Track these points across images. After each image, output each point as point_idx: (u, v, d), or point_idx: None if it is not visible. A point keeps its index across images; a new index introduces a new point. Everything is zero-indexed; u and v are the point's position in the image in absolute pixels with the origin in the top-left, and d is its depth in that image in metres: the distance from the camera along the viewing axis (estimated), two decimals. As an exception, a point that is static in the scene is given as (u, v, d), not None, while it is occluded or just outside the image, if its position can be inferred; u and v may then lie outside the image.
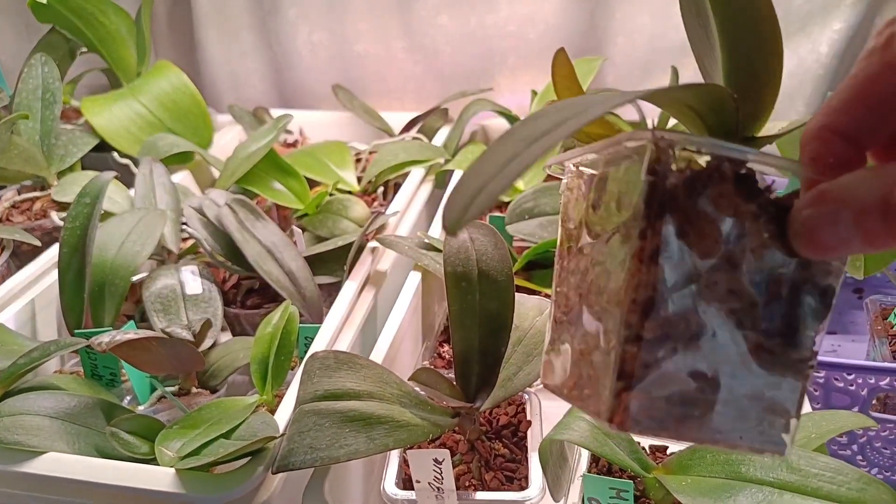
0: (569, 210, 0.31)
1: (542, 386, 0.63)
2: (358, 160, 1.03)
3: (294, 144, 1.15)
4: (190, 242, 0.84)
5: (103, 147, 0.97)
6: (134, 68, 1.04)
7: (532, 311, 0.59)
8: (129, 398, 0.66)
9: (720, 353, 0.25)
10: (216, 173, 0.98)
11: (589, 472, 0.53)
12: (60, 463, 0.49)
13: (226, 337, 0.78)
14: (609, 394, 0.25)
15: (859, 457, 0.65)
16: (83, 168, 0.94)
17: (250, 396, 0.62)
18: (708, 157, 0.25)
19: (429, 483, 0.51)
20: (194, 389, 0.67)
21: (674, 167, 0.24)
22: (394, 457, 0.55)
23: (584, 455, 0.55)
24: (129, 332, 0.55)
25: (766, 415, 0.26)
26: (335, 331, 0.63)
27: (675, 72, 0.92)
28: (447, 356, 0.71)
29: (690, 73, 1.08)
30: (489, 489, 0.51)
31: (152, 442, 0.54)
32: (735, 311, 0.25)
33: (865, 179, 0.22)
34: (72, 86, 1.11)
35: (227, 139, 1.09)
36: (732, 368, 0.25)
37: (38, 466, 0.49)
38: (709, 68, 0.34)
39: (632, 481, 0.44)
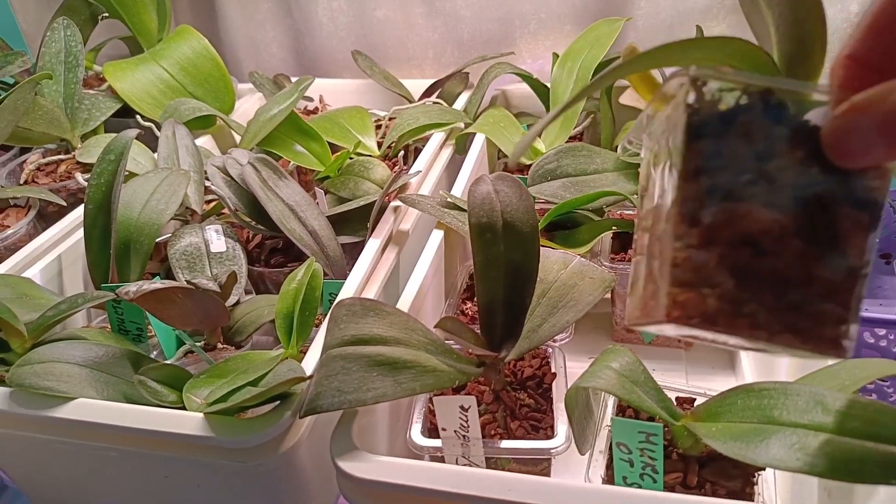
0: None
1: (566, 341, 0.62)
2: (378, 127, 1.02)
3: (314, 112, 1.14)
4: (212, 204, 0.84)
5: (125, 113, 0.98)
6: (155, 34, 1.04)
7: (557, 264, 0.59)
8: (155, 353, 0.67)
9: (763, 259, 0.27)
10: (238, 138, 0.98)
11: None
12: (91, 408, 0.50)
13: (250, 297, 0.78)
14: (665, 295, 0.28)
15: (888, 416, 0.64)
16: (106, 132, 0.94)
17: (275, 350, 0.63)
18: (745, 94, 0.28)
19: (455, 431, 0.51)
20: (220, 345, 0.68)
21: (708, 99, 0.28)
22: (419, 406, 0.55)
23: (610, 407, 0.55)
24: (156, 283, 0.55)
25: (821, 318, 0.27)
26: (359, 286, 0.63)
27: (700, 32, 0.90)
28: (470, 313, 0.70)
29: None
30: (515, 438, 0.51)
31: (179, 391, 0.54)
32: (775, 220, 0.27)
33: (886, 88, 0.24)
34: (94, 53, 1.11)
35: (248, 106, 1.08)
36: (777, 273, 0.27)
37: (69, 412, 0.50)
38: (760, 34, 0.37)
39: (662, 425, 0.43)
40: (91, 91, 0.97)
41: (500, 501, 0.40)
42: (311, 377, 0.48)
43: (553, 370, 0.58)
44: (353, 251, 0.77)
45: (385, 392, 0.45)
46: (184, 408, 0.51)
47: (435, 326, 0.50)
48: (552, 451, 0.50)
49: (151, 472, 0.54)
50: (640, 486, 0.46)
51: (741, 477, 0.48)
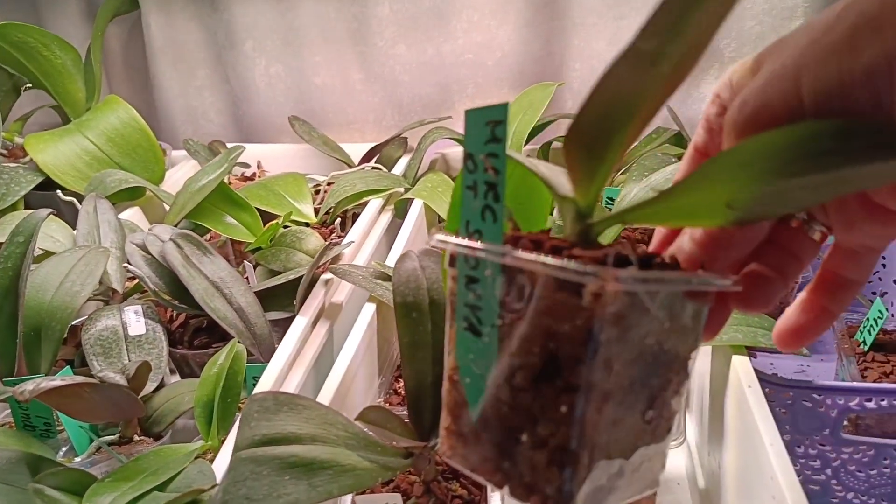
0: None
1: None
2: (317, 192, 1.01)
3: (252, 178, 1.12)
4: (135, 282, 0.80)
5: (50, 185, 0.94)
6: (83, 104, 1.01)
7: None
8: (65, 449, 0.62)
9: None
10: (168, 209, 0.95)
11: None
12: (-25, 526, 0.45)
13: (174, 380, 0.74)
14: None
15: (834, 481, 0.63)
16: (27, 207, 0.90)
17: (194, 443, 0.59)
18: None
19: (381, 530, 0.47)
20: (136, 437, 0.63)
21: None
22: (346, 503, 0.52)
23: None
24: (56, 379, 0.51)
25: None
26: (283, 369, 0.60)
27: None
28: (403, 392, 0.67)
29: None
30: (446, 534, 0.48)
31: (81, 498, 0.50)
32: None
33: None
34: (20, 123, 1.08)
35: (181, 174, 1.05)
36: None
37: (-51, 531, 0.45)
38: None
39: (507, 104, 0.24)
40: (12, 164, 0.93)
41: None
42: (219, 484, 0.44)
43: (487, 455, 0.55)
44: (286, 326, 0.74)
45: (298, 498, 0.42)
46: (84, 518, 0.47)
47: (356, 419, 0.47)
48: (484, 547, 0.47)
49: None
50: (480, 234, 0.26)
51: None
